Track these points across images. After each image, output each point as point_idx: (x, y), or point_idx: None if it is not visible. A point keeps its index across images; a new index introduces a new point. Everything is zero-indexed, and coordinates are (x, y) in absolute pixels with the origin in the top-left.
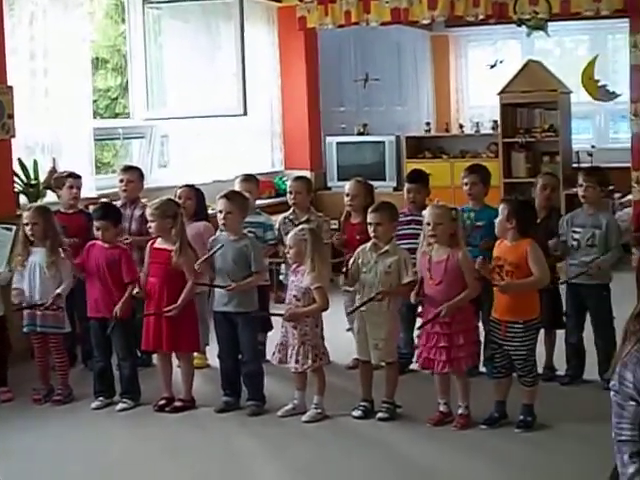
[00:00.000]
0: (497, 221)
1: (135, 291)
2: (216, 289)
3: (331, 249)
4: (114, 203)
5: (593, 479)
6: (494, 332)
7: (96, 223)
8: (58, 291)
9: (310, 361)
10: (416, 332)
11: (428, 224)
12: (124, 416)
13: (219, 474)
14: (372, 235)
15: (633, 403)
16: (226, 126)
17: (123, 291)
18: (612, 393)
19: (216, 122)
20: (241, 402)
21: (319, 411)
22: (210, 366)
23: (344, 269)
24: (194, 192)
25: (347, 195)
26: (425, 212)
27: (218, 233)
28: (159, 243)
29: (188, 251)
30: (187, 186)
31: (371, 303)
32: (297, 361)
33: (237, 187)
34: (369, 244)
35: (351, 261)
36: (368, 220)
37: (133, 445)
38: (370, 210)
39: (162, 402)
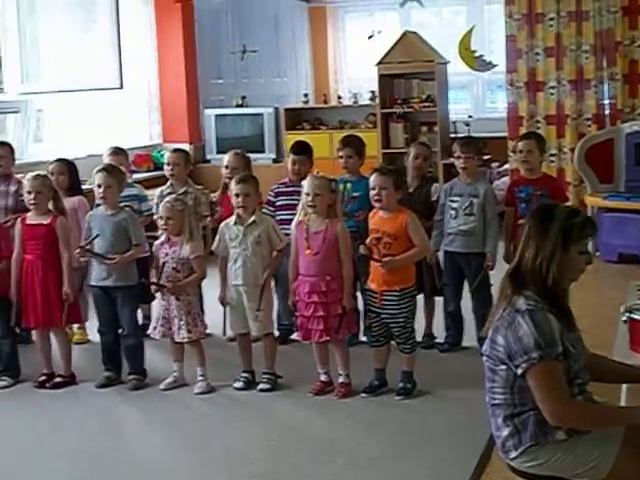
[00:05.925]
0: (384, 193)
1: None
2: (95, 264)
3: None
4: None
5: (471, 443)
6: (370, 301)
7: None
8: None
9: (201, 328)
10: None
11: (307, 194)
12: (4, 394)
13: (101, 449)
14: (239, 205)
15: (504, 367)
16: (103, 99)
17: None
18: (484, 358)
19: (93, 95)
20: (122, 376)
21: (208, 382)
22: (90, 341)
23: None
24: (67, 166)
25: (226, 167)
26: (304, 182)
27: (95, 209)
28: (32, 219)
29: (66, 223)
30: (59, 160)
31: (248, 276)
32: (189, 331)
33: (106, 160)
34: (232, 218)
35: (216, 240)
36: (235, 191)
37: (14, 422)
38: (236, 181)
39: (42, 378)
